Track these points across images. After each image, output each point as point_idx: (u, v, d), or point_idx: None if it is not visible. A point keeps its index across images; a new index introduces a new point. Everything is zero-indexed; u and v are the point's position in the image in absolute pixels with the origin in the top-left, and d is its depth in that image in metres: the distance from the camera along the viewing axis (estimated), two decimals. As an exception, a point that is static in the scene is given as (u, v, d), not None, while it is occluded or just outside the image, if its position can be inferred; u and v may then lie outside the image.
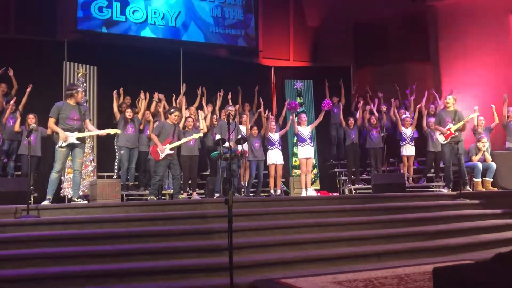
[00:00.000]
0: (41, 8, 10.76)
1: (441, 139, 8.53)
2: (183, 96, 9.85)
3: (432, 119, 9.79)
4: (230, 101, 10.03)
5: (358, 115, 10.59)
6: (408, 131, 10.10)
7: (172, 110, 8.06)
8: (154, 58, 11.19)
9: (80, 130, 6.77)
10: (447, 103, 8.61)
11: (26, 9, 10.65)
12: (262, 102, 10.10)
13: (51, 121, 6.63)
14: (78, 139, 6.68)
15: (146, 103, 9.34)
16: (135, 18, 11.79)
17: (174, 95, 9.93)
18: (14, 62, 9.72)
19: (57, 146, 6.64)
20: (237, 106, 10.07)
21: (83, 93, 6.92)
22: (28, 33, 10.42)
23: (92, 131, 7.07)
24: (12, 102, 8.65)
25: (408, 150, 10.08)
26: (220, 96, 10.14)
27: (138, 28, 11.85)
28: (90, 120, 7.12)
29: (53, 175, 6.66)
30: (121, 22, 11.64)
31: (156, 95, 9.41)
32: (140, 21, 11.87)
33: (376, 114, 10.42)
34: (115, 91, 9.19)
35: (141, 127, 9.16)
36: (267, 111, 9.90)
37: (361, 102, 11.09)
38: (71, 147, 6.68)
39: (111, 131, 7.08)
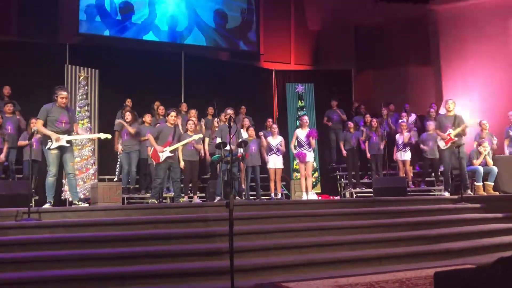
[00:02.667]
0: (43, 11, 10.76)
1: (441, 144, 8.51)
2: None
3: (431, 122, 9.78)
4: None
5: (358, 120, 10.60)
6: (402, 139, 10.05)
7: (169, 111, 8.05)
8: (155, 61, 11.20)
9: (69, 133, 6.70)
10: (448, 107, 8.58)
11: (28, 12, 10.66)
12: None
13: (39, 123, 6.54)
14: (68, 142, 6.62)
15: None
16: (137, 21, 11.81)
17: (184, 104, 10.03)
18: (16, 65, 9.76)
19: (46, 148, 6.56)
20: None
21: (66, 99, 6.63)
22: (30, 36, 10.42)
23: (82, 134, 7.06)
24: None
25: (402, 155, 10.05)
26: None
27: (140, 31, 11.87)
28: (77, 123, 7.12)
29: (49, 180, 6.60)
30: (123, 26, 11.66)
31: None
32: (143, 24, 11.89)
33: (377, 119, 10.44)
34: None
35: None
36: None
37: (363, 107, 11.07)
38: (61, 150, 6.61)
39: (102, 135, 7.02)
